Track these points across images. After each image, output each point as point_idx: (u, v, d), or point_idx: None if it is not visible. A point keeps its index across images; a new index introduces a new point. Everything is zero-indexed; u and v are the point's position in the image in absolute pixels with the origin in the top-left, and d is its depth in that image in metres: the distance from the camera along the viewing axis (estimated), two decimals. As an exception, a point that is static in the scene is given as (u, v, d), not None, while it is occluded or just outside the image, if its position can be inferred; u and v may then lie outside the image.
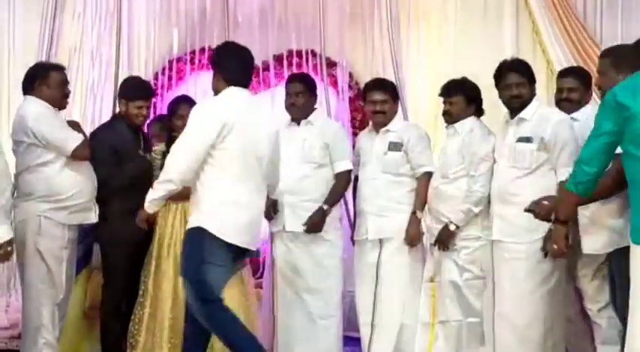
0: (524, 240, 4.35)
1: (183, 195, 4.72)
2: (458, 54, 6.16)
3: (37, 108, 4.48)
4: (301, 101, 4.97)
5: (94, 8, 6.42)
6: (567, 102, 4.58)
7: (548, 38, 6.02)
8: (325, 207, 4.86)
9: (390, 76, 5.92)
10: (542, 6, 6.03)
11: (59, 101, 4.66)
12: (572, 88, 4.59)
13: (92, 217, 4.61)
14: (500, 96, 4.54)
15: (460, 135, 4.75)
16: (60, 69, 4.73)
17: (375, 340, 4.86)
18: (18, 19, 6.35)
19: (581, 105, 4.57)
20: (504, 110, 4.58)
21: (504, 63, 4.58)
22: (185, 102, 4.93)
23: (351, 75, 6.67)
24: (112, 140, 4.73)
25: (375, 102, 4.95)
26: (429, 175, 4.84)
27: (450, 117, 4.83)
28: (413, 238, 4.80)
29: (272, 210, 4.84)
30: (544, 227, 4.16)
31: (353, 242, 5.10)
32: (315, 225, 4.84)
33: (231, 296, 4.70)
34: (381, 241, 4.87)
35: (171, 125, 4.96)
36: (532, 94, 4.50)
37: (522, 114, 4.45)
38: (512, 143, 4.44)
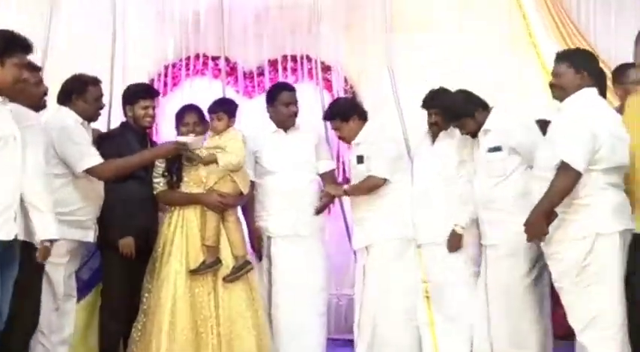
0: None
1: (182, 201, 4.80)
2: (453, 60, 6.15)
3: (65, 122, 4.48)
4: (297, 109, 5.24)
5: (88, 14, 6.43)
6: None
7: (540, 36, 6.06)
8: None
9: (385, 82, 5.96)
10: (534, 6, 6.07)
11: (93, 114, 4.69)
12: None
13: (90, 236, 4.59)
14: None
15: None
16: (97, 83, 4.72)
17: (357, 341, 5.07)
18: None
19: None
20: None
21: None
22: (191, 110, 4.96)
23: (345, 79, 6.69)
24: (119, 148, 4.71)
25: None
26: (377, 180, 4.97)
27: (438, 129, 4.97)
28: None
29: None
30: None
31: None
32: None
33: (238, 299, 4.74)
34: (367, 248, 5.04)
35: (178, 133, 4.97)
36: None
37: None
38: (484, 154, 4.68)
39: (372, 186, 4.98)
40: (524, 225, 4.04)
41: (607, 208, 4.01)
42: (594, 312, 4.01)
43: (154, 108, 4.97)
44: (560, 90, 4.21)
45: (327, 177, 5.28)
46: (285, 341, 5.00)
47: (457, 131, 4.87)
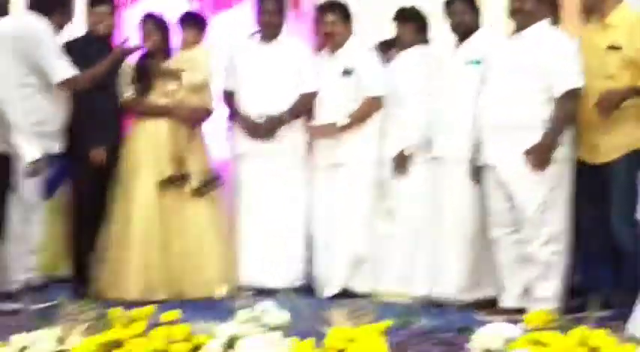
0: None
1: (154, 111, 4.81)
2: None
3: (40, 30, 4.38)
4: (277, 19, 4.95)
5: None
6: None
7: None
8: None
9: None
10: None
11: (64, 25, 4.61)
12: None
13: (56, 147, 4.53)
14: None
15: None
16: None
17: None
18: None
19: None
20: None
21: None
22: (149, 18, 4.89)
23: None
24: (85, 58, 4.60)
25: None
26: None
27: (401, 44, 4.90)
28: None
29: None
30: None
31: None
32: None
33: (203, 216, 4.81)
34: None
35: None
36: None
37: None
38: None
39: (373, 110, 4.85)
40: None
41: None
42: None
43: (109, 15, 4.86)
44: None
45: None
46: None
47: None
